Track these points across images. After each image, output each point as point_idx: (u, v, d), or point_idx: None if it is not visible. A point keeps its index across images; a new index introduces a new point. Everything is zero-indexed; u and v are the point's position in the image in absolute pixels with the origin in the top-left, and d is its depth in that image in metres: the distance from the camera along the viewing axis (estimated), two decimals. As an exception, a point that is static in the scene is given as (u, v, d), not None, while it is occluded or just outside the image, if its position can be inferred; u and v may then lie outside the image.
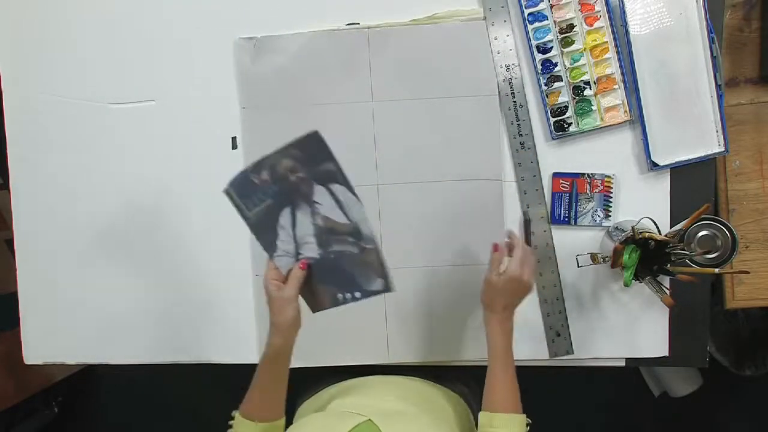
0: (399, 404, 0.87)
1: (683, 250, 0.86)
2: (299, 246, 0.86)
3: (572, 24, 0.97)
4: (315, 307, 0.88)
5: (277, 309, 0.81)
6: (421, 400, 0.91)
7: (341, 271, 0.86)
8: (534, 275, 0.86)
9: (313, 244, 0.86)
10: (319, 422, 0.78)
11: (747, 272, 0.86)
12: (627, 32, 0.95)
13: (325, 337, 1.05)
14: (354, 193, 0.84)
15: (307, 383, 1.03)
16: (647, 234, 0.86)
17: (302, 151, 0.85)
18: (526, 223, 1.01)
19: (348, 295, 0.86)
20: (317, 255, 0.86)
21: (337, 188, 0.85)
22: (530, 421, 0.83)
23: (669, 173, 0.99)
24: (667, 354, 1.02)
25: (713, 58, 0.94)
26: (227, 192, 0.85)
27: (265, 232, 0.86)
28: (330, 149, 0.84)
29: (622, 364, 1.04)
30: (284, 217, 0.86)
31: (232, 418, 0.83)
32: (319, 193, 0.85)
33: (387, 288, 0.86)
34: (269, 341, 0.82)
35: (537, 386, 1.74)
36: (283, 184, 0.85)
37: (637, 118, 0.97)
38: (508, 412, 0.81)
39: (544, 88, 0.98)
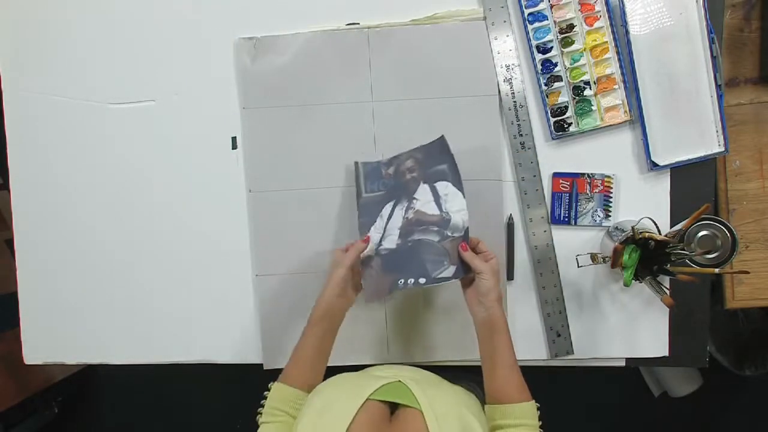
0: (426, 376, 0.88)
1: (683, 250, 0.86)
2: (384, 237, 0.92)
3: (572, 24, 0.97)
4: (373, 296, 0.93)
5: (332, 267, 0.88)
6: (443, 378, 0.91)
7: (413, 258, 0.90)
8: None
9: (395, 237, 0.92)
10: (350, 381, 0.78)
11: (747, 272, 0.86)
12: (627, 32, 0.95)
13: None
14: (460, 187, 0.92)
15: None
16: (647, 234, 0.86)
17: (424, 154, 0.95)
18: (509, 227, 1.01)
19: (411, 281, 0.89)
20: (395, 245, 0.92)
21: (440, 185, 0.93)
22: (539, 405, 0.81)
23: (669, 173, 0.99)
24: (667, 354, 1.02)
25: (713, 58, 0.94)
26: (357, 165, 0.97)
27: (367, 214, 0.94)
28: (451, 152, 0.94)
29: (622, 364, 1.04)
30: (386, 209, 0.94)
31: (268, 390, 0.82)
32: (421, 191, 0.94)
33: (460, 273, 0.89)
34: (318, 300, 0.87)
35: (537, 386, 1.75)
36: (399, 180, 0.95)
37: (637, 118, 0.97)
38: (520, 402, 0.79)
39: (544, 88, 0.98)
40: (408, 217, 0.92)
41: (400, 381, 0.77)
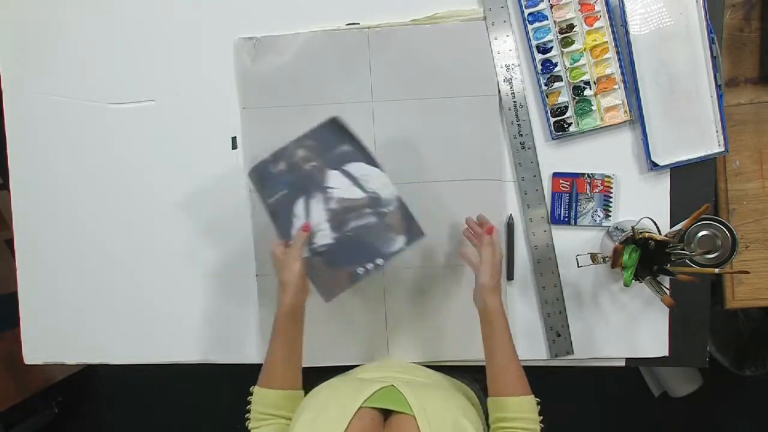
0: (418, 377, 0.89)
1: (683, 250, 0.86)
2: (313, 235, 0.89)
3: (572, 24, 0.97)
4: (331, 293, 0.90)
5: (283, 267, 0.85)
6: (436, 378, 0.92)
7: (359, 245, 0.89)
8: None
9: (327, 231, 0.89)
10: (343, 387, 0.78)
11: (747, 272, 0.86)
12: (627, 32, 0.94)
13: (326, 337, 1.05)
14: (374, 163, 0.88)
15: (308, 384, 1.02)
16: (647, 234, 0.86)
17: (317, 140, 0.89)
18: (509, 227, 1.01)
19: (369, 265, 0.89)
20: (332, 240, 0.89)
21: (352, 167, 0.88)
22: (539, 400, 0.82)
23: (669, 173, 0.99)
24: (667, 354, 1.02)
25: (713, 58, 0.94)
26: (249, 176, 0.90)
27: (281, 220, 0.89)
28: (349, 131, 0.88)
29: (622, 364, 1.04)
30: (298, 207, 0.89)
31: (251, 395, 0.83)
32: (333, 178, 0.88)
33: (412, 238, 0.88)
34: (280, 302, 0.85)
35: (537, 386, 1.75)
36: (297, 174, 0.89)
37: (637, 118, 0.97)
38: (519, 395, 0.79)
39: (544, 88, 0.98)
40: (331, 207, 0.89)
41: (393, 386, 0.77)
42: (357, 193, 0.89)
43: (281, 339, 0.85)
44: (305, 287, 0.87)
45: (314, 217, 0.89)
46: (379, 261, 0.89)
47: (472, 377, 1.01)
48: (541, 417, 0.80)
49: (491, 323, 0.84)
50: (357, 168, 0.89)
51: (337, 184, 0.89)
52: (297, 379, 0.84)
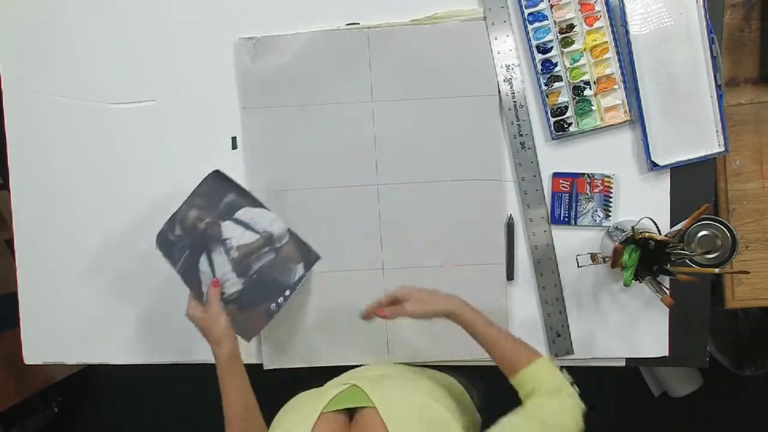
0: (386, 371, 0.90)
1: (683, 250, 0.86)
2: (223, 285, 0.95)
3: (572, 24, 0.97)
4: (251, 333, 0.96)
5: (208, 325, 0.89)
6: (401, 370, 0.93)
7: (266, 283, 0.96)
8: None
9: (234, 278, 0.95)
10: (303, 400, 0.80)
11: (747, 272, 0.86)
12: (627, 32, 0.94)
13: (326, 337, 1.05)
14: (258, 204, 0.95)
15: (308, 383, 1.02)
16: (647, 234, 0.86)
17: (203, 197, 0.95)
18: (509, 227, 1.01)
19: (280, 300, 0.96)
20: (240, 286, 0.96)
21: (240, 213, 0.96)
22: (556, 354, 0.81)
23: (669, 173, 0.99)
24: (667, 354, 1.02)
25: (713, 58, 0.94)
26: (157, 247, 0.96)
27: (191, 280, 0.95)
28: (230, 180, 0.95)
29: (622, 364, 1.04)
30: (203, 264, 0.96)
31: None
32: (227, 229, 0.95)
33: (310, 263, 0.96)
34: (218, 358, 0.88)
35: (537, 386, 1.75)
36: (194, 234, 0.95)
37: (637, 118, 0.97)
38: (526, 365, 0.78)
39: (544, 88, 0.98)
40: (233, 257, 0.96)
41: (354, 385, 0.77)
42: (251, 237, 0.96)
43: (234, 392, 0.87)
44: (234, 336, 0.91)
45: (219, 269, 0.96)
46: (287, 292, 0.96)
47: (466, 375, 1.01)
48: (562, 367, 0.79)
49: (466, 325, 0.84)
50: (245, 213, 0.96)
51: (232, 233, 0.96)
52: (259, 423, 0.86)
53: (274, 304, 0.96)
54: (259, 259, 0.96)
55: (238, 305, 0.96)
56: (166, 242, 0.96)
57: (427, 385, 0.82)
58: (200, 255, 0.96)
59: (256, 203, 0.96)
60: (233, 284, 0.96)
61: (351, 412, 0.74)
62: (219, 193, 0.96)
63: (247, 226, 0.96)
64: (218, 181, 0.95)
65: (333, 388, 0.79)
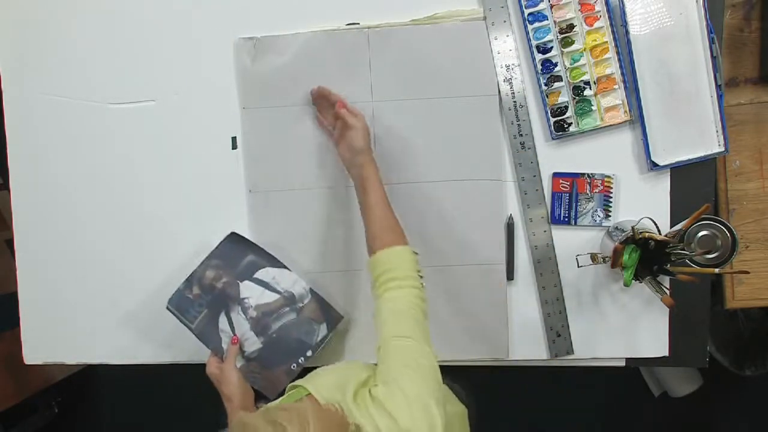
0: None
1: (683, 250, 0.86)
2: (242, 344, 0.97)
3: (572, 24, 0.97)
4: (273, 391, 0.97)
5: (222, 381, 0.91)
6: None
7: (287, 342, 0.97)
8: (353, 115, 0.92)
9: (254, 338, 0.97)
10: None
11: (747, 272, 0.86)
12: (627, 32, 0.94)
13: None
14: (280, 265, 0.97)
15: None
16: (647, 234, 0.86)
17: (221, 258, 0.98)
18: (509, 227, 1.01)
19: (301, 360, 0.97)
20: (261, 344, 0.97)
21: (261, 273, 0.98)
22: (417, 251, 0.83)
23: (669, 173, 0.99)
24: (667, 354, 1.02)
25: (713, 58, 0.94)
26: (168, 309, 0.98)
27: (209, 339, 0.98)
28: (249, 241, 0.98)
29: (622, 364, 1.04)
30: (222, 322, 0.98)
31: None
32: (246, 289, 0.98)
33: (333, 323, 0.97)
34: (230, 414, 0.88)
35: (537, 386, 1.75)
36: (212, 293, 0.97)
37: (637, 118, 0.97)
38: (389, 247, 0.81)
39: (544, 88, 0.98)
40: (251, 316, 0.97)
41: (301, 386, 0.76)
42: (271, 297, 0.98)
43: None
44: (248, 391, 0.92)
45: (239, 328, 0.97)
46: (309, 353, 0.97)
47: (453, 378, 1.01)
48: (420, 269, 0.81)
49: (366, 190, 0.87)
50: (265, 273, 0.98)
51: (251, 293, 0.98)
52: None
53: (294, 364, 0.97)
54: (279, 318, 0.98)
55: (259, 363, 0.97)
56: (182, 301, 0.98)
57: (359, 365, 0.80)
58: (219, 313, 0.98)
59: (277, 264, 0.98)
60: (253, 343, 0.98)
61: None
62: (238, 254, 0.98)
63: (267, 286, 0.98)
64: (236, 242, 0.99)
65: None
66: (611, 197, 1.00)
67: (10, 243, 1.29)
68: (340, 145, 0.94)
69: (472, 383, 1.05)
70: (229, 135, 1.06)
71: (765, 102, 1.05)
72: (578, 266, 0.96)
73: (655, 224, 0.91)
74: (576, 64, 0.98)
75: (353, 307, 1.04)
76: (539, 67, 0.98)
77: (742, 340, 1.61)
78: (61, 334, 1.12)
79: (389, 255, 0.81)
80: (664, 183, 0.99)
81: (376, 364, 0.75)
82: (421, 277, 0.81)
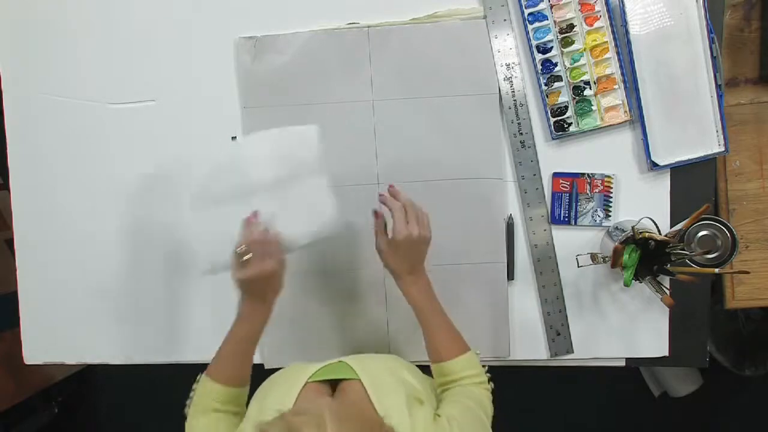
0: (373, 355, 0.90)
1: (683, 250, 0.86)
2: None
3: (572, 24, 0.97)
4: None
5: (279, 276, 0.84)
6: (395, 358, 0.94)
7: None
8: (426, 226, 0.86)
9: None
10: (291, 369, 0.80)
11: (747, 272, 0.87)
12: (627, 32, 0.94)
13: (326, 337, 1.05)
14: None
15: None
16: (647, 234, 0.86)
17: None
18: (509, 227, 1.01)
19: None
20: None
21: None
22: (479, 351, 0.85)
23: (669, 173, 0.99)
24: (667, 354, 1.02)
25: (713, 58, 0.94)
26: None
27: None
28: None
29: (622, 364, 1.04)
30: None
31: (196, 381, 0.84)
32: None
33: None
34: (263, 297, 0.84)
35: (537, 386, 1.75)
36: None
37: (637, 118, 0.97)
38: (455, 357, 0.83)
39: (544, 88, 0.98)
40: None
41: (340, 360, 0.79)
42: None
43: (247, 326, 0.84)
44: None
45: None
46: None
47: None
48: (486, 367, 0.84)
49: (416, 308, 0.87)
50: None
51: None
52: (246, 375, 0.85)
53: None
54: None
55: None
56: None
57: (407, 364, 0.83)
58: None
59: None
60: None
61: (334, 385, 0.76)
62: None
63: None
64: None
65: (319, 361, 0.80)
66: (611, 197, 1.00)
67: (10, 243, 1.29)
68: (395, 252, 0.85)
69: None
70: (229, 135, 1.06)
71: (765, 102, 1.05)
72: (578, 266, 0.96)
73: (655, 224, 0.91)
74: (576, 64, 0.98)
75: (354, 305, 1.04)
76: (539, 67, 0.98)
77: (742, 340, 1.61)
78: (61, 334, 1.12)
79: (461, 363, 0.82)
80: (664, 183, 0.99)
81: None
82: (488, 374, 0.84)
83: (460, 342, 0.85)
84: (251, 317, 0.84)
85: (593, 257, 0.92)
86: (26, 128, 1.10)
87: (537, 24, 0.98)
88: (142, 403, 2.01)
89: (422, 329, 0.87)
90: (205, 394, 0.82)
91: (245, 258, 0.80)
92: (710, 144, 0.97)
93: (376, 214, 0.89)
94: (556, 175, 1.00)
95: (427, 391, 0.77)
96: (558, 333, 1.02)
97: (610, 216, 1.00)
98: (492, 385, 0.83)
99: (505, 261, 1.01)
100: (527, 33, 0.98)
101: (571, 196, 1.00)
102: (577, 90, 0.98)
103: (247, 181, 0.90)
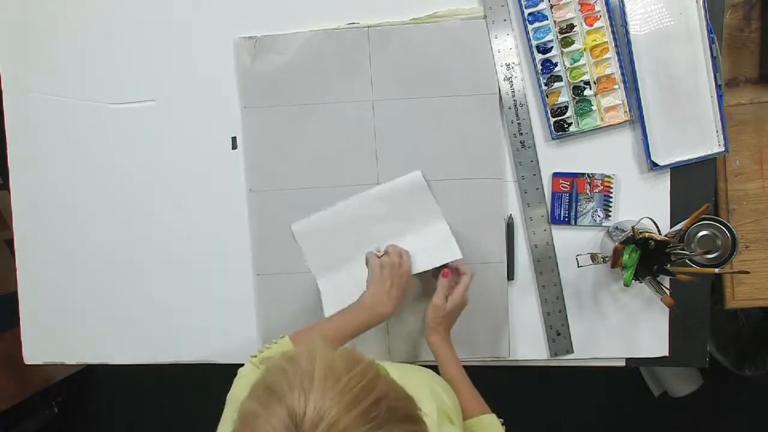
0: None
1: (683, 250, 0.86)
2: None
3: (572, 24, 0.97)
4: None
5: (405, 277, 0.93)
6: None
7: None
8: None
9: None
10: None
11: (747, 272, 0.86)
12: (627, 32, 0.94)
13: (325, 337, 1.05)
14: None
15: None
16: (647, 234, 0.86)
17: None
18: (509, 227, 1.01)
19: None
20: None
21: None
22: (503, 420, 0.86)
23: (669, 173, 0.99)
24: (667, 354, 1.02)
25: (713, 58, 0.94)
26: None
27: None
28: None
29: (622, 364, 1.04)
30: None
31: (275, 341, 0.87)
32: None
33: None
34: (381, 309, 0.90)
35: (537, 386, 1.75)
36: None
37: (637, 118, 0.97)
38: (477, 416, 0.84)
39: (544, 88, 0.98)
40: None
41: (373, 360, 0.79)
42: None
43: (350, 328, 0.89)
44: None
45: None
46: None
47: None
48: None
49: (442, 363, 0.91)
50: None
51: None
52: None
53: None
54: None
55: None
56: None
57: (434, 376, 0.85)
58: None
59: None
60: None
61: None
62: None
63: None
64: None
65: None
66: (611, 197, 1.00)
67: (10, 243, 1.29)
68: (447, 314, 0.92)
69: (472, 382, 1.05)
70: (229, 135, 1.06)
71: (765, 102, 1.05)
72: (578, 266, 0.96)
73: (655, 224, 0.91)
74: (576, 64, 0.98)
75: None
76: (539, 67, 0.98)
77: (742, 340, 1.60)
78: (61, 334, 1.12)
79: (483, 424, 0.84)
80: (664, 183, 0.99)
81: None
82: None
83: (484, 403, 0.88)
84: (377, 308, 0.90)
85: (593, 257, 0.92)
86: (26, 128, 1.10)
87: (537, 24, 0.98)
88: (142, 403, 2.01)
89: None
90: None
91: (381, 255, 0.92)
92: (710, 144, 0.97)
93: (445, 273, 0.94)
94: (556, 175, 1.00)
95: (458, 413, 0.77)
96: (558, 333, 1.02)
97: (610, 216, 1.00)
98: None
99: (505, 261, 1.01)
100: (527, 33, 0.98)
101: (571, 196, 1.00)
102: (577, 90, 0.98)
103: (365, 237, 1.01)
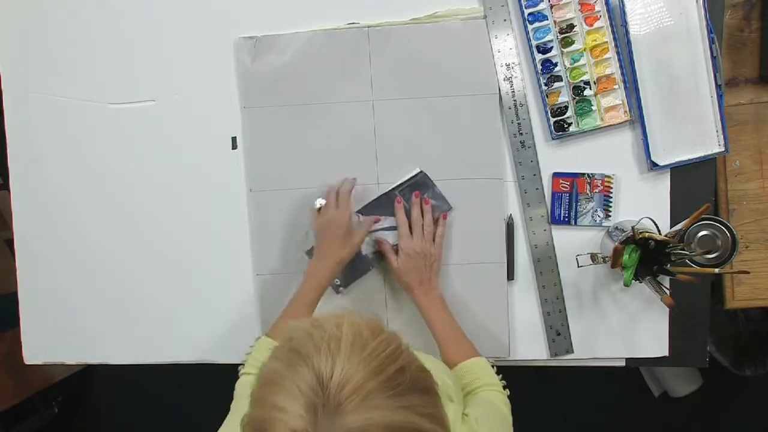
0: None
1: (683, 250, 0.86)
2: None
3: (572, 24, 0.97)
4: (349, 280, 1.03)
5: (357, 235, 0.96)
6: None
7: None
8: (432, 241, 0.95)
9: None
10: None
11: (747, 272, 0.86)
12: (627, 32, 0.94)
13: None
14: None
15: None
16: (647, 234, 0.86)
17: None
18: (509, 227, 1.01)
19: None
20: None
21: None
22: (494, 363, 0.88)
23: (669, 173, 0.99)
24: (667, 354, 1.02)
25: (713, 58, 0.94)
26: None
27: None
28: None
29: (622, 364, 1.04)
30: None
31: (255, 342, 0.88)
32: None
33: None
34: (333, 256, 0.93)
35: (537, 386, 1.75)
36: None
37: (637, 118, 0.97)
38: (464, 360, 0.86)
39: (544, 88, 0.98)
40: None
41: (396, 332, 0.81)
42: None
43: (314, 292, 0.92)
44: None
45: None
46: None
47: None
48: (501, 375, 0.86)
49: (426, 319, 0.93)
50: None
51: None
52: None
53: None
54: None
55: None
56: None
57: (442, 365, 0.86)
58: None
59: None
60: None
61: None
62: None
63: None
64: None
65: None
66: (611, 197, 1.00)
67: (10, 243, 1.29)
68: (402, 265, 0.95)
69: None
70: (229, 135, 1.06)
71: (765, 102, 1.05)
72: (578, 266, 0.96)
73: (655, 224, 0.91)
74: (576, 64, 0.98)
75: (354, 305, 1.04)
76: (539, 67, 0.98)
77: (742, 340, 1.61)
78: (61, 334, 1.12)
79: (473, 368, 0.86)
80: (664, 183, 0.99)
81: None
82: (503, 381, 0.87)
83: (470, 348, 0.89)
84: (318, 275, 0.93)
85: (593, 257, 0.92)
86: (26, 128, 1.10)
87: (537, 24, 0.98)
88: (142, 403, 2.01)
89: (435, 339, 0.92)
90: (265, 351, 0.83)
91: (319, 206, 0.95)
92: (710, 144, 0.97)
93: (378, 242, 0.99)
94: (556, 175, 1.00)
95: (457, 391, 0.78)
96: (558, 333, 1.02)
97: (610, 216, 1.00)
98: (508, 392, 0.85)
99: (505, 261, 1.01)
100: (527, 33, 0.98)
101: (571, 196, 1.00)
102: (577, 90, 0.98)
103: None
